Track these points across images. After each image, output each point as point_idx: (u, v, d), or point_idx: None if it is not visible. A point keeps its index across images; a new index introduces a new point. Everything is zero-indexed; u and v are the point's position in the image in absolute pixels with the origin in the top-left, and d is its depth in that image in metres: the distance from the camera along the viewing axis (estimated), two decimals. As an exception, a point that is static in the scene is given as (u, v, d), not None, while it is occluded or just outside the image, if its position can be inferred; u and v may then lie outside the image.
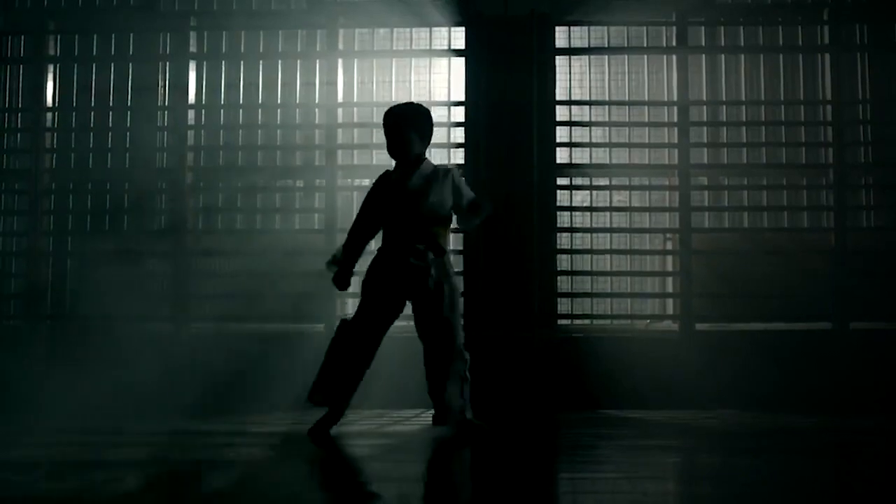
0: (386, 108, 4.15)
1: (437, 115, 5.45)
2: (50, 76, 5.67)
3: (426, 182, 4.00)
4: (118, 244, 5.41)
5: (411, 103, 4.21)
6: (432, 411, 4.03)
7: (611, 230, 5.42)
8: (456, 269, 5.24)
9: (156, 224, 5.54)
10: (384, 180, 4.13)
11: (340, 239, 5.31)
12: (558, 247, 5.33)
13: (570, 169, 5.38)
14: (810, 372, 5.02)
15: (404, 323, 4.10)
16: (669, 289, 5.37)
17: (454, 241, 5.37)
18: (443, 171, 4.04)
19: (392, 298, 3.98)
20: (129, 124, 5.62)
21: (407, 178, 4.04)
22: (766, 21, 5.51)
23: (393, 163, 4.12)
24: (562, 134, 5.38)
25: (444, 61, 5.56)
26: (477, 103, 5.30)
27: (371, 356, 3.98)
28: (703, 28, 5.53)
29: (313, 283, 5.30)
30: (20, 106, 5.72)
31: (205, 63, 5.65)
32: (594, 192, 5.44)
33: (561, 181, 5.36)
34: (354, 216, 4.13)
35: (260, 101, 5.60)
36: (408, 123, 4.03)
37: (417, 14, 5.41)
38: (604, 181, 5.41)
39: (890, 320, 5.16)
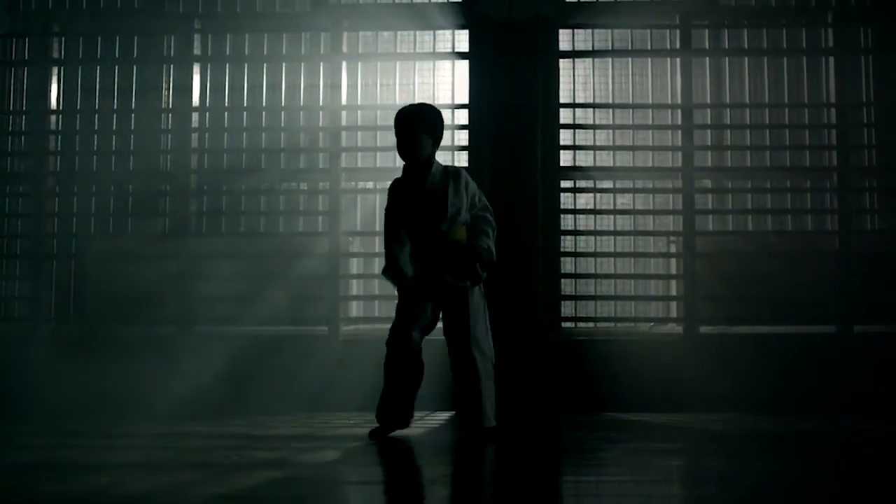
0: (397, 110, 4.14)
1: (441, 117, 5.48)
2: (54, 78, 5.68)
3: (442, 185, 4.01)
4: (122, 247, 5.41)
5: (423, 104, 4.19)
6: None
7: (615, 233, 5.42)
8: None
9: (160, 227, 5.54)
10: (398, 187, 4.13)
11: (344, 242, 5.38)
12: (562, 249, 5.33)
13: (573, 172, 5.38)
14: (814, 375, 5.02)
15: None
16: (673, 291, 5.37)
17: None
18: (453, 173, 4.05)
19: (425, 300, 4.01)
20: (133, 127, 5.63)
21: (421, 183, 4.04)
22: (770, 24, 5.50)
23: (397, 166, 4.13)
24: (565, 137, 5.37)
25: (447, 64, 5.56)
26: (481, 106, 5.30)
27: (411, 359, 4.02)
28: (706, 31, 5.53)
29: (317, 285, 5.32)
30: (24, 108, 5.72)
31: (209, 65, 5.66)
32: (598, 195, 5.44)
33: (565, 184, 5.36)
34: (384, 229, 4.15)
35: (264, 104, 5.61)
36: (420, 125, 4.03)
37: (421, 17, 5.42)
38: (608, 184, 5.40)
39: (894, 323, 5.15)
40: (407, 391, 4.06)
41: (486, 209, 4.10)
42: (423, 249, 4.02)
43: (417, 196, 4.02)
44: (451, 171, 4.07)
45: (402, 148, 4.06)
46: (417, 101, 5.43)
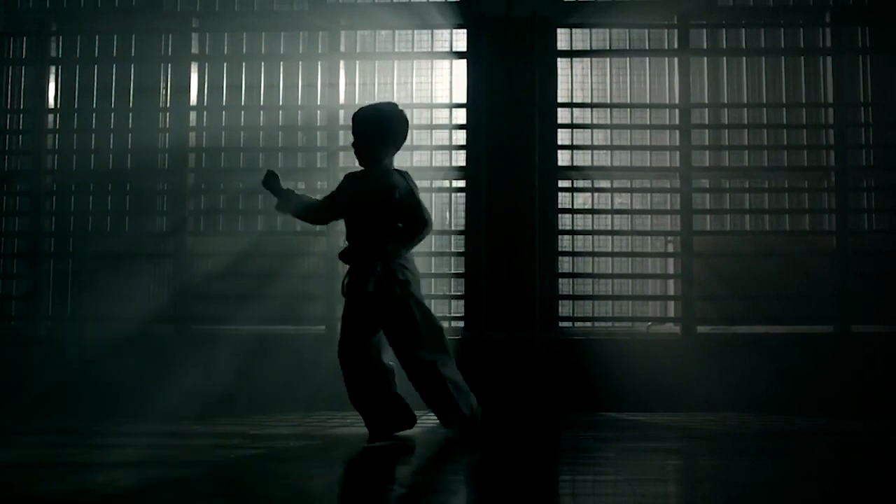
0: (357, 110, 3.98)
1: (439, 117, 5.50)
2: (52, 77, 5.67)
3: (370, 189, 3.86)
4: (119, 246, 5.41)
5: (378, 107, 3.95)
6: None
7: (612, 233, 5.42)
8: (457, 271, 5.28)
9: (157, 225, 5.54)
10: (344, 181, 4.04)
11: (342, 240, 5.35)
12: (560, 249, 5.33)
13: (571, 171, 5.38)
14: (811, 375, 5.02)
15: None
16: (671, 291, 5.37)
17: (455, 244, 5.38)
18: (391, 185, 3.84)
19: (361, 306, 3.88)
20: (130, 125, 5.63)
21: (358, 185, 3.93)
22: (768, 23, 5.51)
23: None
24: (563, 136, 5.38)
25: (445, 63, 5.57)
26: (478, 105, 5.30)
27: (362, 366, 3.89)
28: (704, 30, 5.54)
29: (314, 285, 5.32)
30: (22, 107, 5.73)
31: (206, 64, 5.66)
32: (596, 195, 5.44)
33: (562, 183, 5.36)
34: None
35: (262, 103, 5.61)
36: (373, 128, 3.86)
37: (419, 16, 5.42)
38: (605, 183, 5.41)
39: (891, 323, 5.15)
40: (376, 395, 3.90)
41: (415, 206, 3.82)
42: (356, 252, 3.90)
43: (348, 197, 3.93)
44: (385, 174, 3.87)
45: (355, 151, 3.91)
46: (415, 100, 5.48)
